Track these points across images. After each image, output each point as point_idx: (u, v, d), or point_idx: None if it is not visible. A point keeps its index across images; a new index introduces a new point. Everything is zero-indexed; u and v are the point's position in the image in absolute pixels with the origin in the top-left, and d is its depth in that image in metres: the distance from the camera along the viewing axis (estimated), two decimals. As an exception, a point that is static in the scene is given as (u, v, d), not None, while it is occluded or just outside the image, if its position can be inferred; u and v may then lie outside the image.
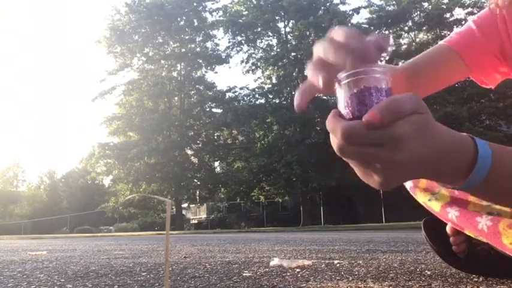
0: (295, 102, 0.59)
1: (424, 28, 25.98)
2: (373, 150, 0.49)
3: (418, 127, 0.48)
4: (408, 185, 1.05)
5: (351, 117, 0.50)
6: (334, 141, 0.51)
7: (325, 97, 26.03)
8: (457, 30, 0.98)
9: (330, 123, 0.51)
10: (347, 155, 0.51)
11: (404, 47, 26.66)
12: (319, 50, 0.55)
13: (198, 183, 26.12)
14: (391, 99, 0.49)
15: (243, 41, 26.46)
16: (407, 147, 0.48)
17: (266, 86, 26.40)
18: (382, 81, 0.51)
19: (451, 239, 1.25)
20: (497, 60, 0.93)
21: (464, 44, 0.93)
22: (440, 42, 0.98)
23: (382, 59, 0.52)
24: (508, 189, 0.54)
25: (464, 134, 0.54)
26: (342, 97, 0.52)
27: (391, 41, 0.51)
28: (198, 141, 26.88)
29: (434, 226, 1.31)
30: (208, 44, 27.80)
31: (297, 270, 1.82)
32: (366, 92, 0.50)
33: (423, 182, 1.01)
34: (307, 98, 0.59)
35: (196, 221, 31.00)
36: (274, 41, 26.79)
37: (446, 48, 0.95)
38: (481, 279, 1.36)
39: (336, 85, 0.53)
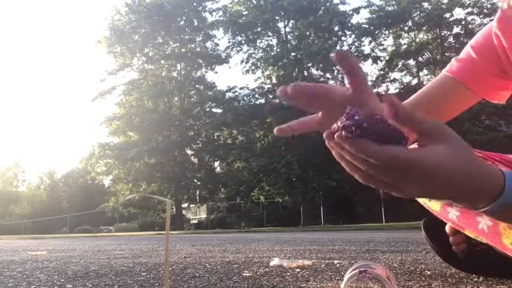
0: (290, 125, 0.66)
1: (424, 28, 25.98)
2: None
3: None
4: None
5: None
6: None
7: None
8: (457, 57, 0.98)
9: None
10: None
11: (404, 47, 26.67)
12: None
13: (198, 183, 26.11)
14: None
15: (243, 41, 26.45)
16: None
17: (266, 86, 26.42)
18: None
19: (451, 238, 1.25)
20: (504, 80, 0.93)
21: (467, 73, 0.93)
22: (443, 72, 0.98)
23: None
24: None
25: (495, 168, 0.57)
26: None
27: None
28: (198, 141, 26.88)
29: (434, 226, 1.32)
30: (208, 44, 27.85)
31: (297, 270, 1.82)
32: None
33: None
34: (297, 129, 0.66)
35: (196, 221, 30.99)
36: (274, 41, 26.81)
37: (451, 80, 0.95)
38: (481, 279, 1.36)
39: None
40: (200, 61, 26.98)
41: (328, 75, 25.51)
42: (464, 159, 0.53)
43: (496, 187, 0.54)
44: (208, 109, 27.40)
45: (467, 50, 0.96)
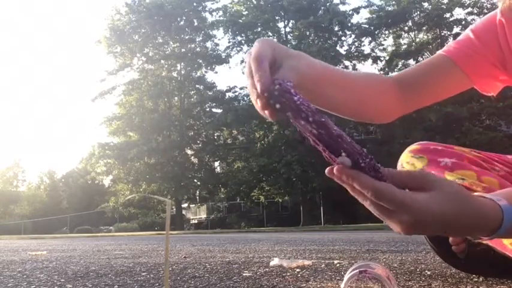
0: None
1: (424, 28, 25.97)
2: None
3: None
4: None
5: None
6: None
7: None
8: (456, 39, 0.96)
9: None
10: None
11: (404, 47, 26.66)
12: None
13: (198, 183, 26.12)
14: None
15: (243, 41, 26.47)
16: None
17: (266, 86, 26.39)
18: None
19: (450, 239, 1.25)
20: (497, 69, 0.91)
21: (463, 54, 0.91)
22: (439, 52, 0.95)
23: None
24: None
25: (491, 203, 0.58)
26: None
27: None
28: (198, 141, 26.88)
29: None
30: (208, 44, 27.85)
31: (297, 270, 1.82)
32: None
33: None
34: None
35: (196, 221, 31.00)
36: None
37: (445, 59, 0.92)
38: (481, 279, 1.36)
39: None
40: (200, 61, 26.98)
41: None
42: (455, 201, 0.55)
43: (494, 222, 0.56)
44: (208, 109, 27.41)
45: (467, 33, 0.94)
